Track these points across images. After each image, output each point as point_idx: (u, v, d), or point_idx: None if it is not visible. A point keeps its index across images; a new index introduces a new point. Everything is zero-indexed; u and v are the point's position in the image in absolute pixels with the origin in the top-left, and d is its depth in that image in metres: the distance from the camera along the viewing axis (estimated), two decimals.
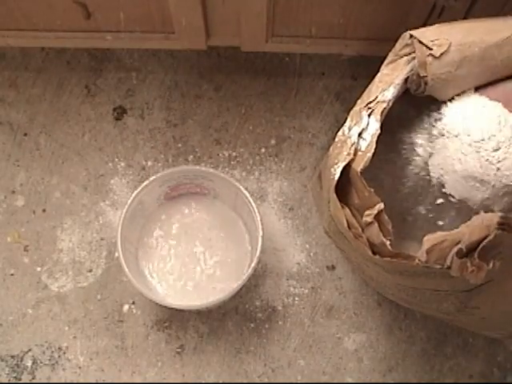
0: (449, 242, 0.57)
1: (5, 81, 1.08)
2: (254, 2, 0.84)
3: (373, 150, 0.64)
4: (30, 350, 0.95)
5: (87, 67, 1.09)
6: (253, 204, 0.89)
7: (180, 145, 1.05)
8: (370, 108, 0.67)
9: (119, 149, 1.05)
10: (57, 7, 0.87)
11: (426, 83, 0.68)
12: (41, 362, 0.95)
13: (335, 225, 0.69)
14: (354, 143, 0.65)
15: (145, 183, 0.91)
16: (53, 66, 1.09)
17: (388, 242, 0.62)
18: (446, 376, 0.95)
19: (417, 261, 0.59)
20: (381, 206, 0.63)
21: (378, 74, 0.71)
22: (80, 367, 0.94)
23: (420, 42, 0.68)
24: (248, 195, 0.89)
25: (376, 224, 0.62)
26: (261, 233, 0.88)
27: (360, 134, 0.65)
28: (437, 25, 0.70)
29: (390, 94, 0.67)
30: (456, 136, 0.69)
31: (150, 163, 1.04)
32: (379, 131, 0.65)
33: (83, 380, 0.94)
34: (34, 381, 0.94)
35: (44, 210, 1.02)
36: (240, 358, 0.95)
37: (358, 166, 0.64)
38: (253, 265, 0.86)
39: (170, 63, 1.09)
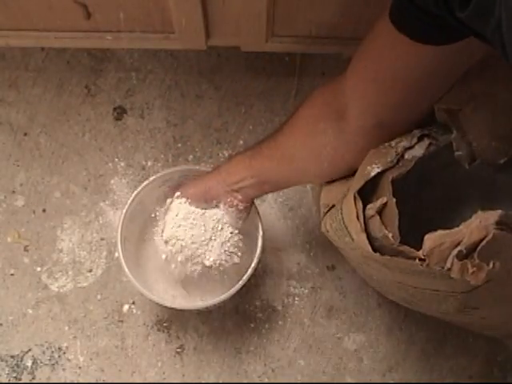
0: (448, 243, 0.57)
1: (5, 81, 1.08)
2: (253, 1, 0.84)
3: (409, 168, 0.67)
4: (30, 349, 0.95)
5: (87, 67, 1.09)
6: (253, 204, 0.89)
7: (180, 145, 1.05)
8: (424, 135, 0.68)
9: (119, 149, 1.05)
10: (57, 7, 0.87)
11: (470, 143, 0.68)
12: (41, 362, 0.95)
13: (340, 219, 0.69)
14: (399, 155, 0.68)
15: (145, 183, 0.91)
16: (53, 65, 1.09)
17: (391, 235, 0.62)
18: (446, 376, 0.95)
19: (417, 261, 0.59)
20: (383, 199, 0.64)
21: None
22: (80, 367, 0.94)
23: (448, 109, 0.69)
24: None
25: (377, 217, 0.63)
26: (261, 233, 0.87)
27: (404, 150, 0.68)
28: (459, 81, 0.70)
29: (443, 139, 0.68)
30: None
31: (149, 163, 1.04)
32: (421, 156, 0.67)
33: (83, 380, 0.94)
34: (33, 381, 0.94)
35: (44, 210, 1.02)
36: (240, 358, 0.95)
37: (392, 174, 0.67)
38: (253, 265, 0.86)
39: (170, 63, 1.09)
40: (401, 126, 0.69)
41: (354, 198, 0.67)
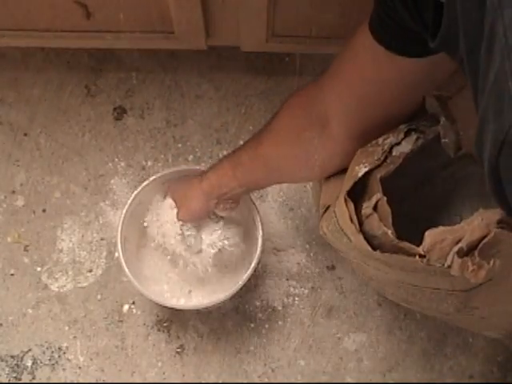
0: (449, 240, 0.57)
1: (5, 81, 1.08)
2: (253, 1, 0.84)
3: (397, 165, 0.66)
4: (29, 350, 0.95)
5: (87, 67, 1.09)
6: (253, 204, 0.89)
7: (180, 145, 1.05)
8: (410, 129, 0.67)
9: (119, 149, 1.05)
10: (57, 7, 0.87)
11: (458, 133, 0.68)
12: (41, 362, 0.94)
13: (336, 221, 0.69)
14: (385, 152, 0.67)
15: (145, 183, 0.91)
16: (53, 66, 1.09)
17: (390, 231, 0.62)
18: (446, 376, 0.95)
19: (417, 258, 0.59)
20: (378, 195, 0.63)
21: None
22: (80, 367, 0.94)
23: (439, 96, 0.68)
24: (248, 195, 0.89)
25: (375, 215, 0.63)
26: (261, 233, 0.88)
27: (391, 147, 0.68)
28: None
29: (431, 131, 0.68)
30: None
31: (150, 163, 1.04)
32: (409, 151, 0.67)
33: (83, 380, 0.94)
34: (33, 381, 0.94)
35: (44, 210, 1.02)
36: (240, 358, 0.95)
37: (380, 172, 0.66)
38: (253, 265, 0.86)
39: (169, 63, 1.09)
40: (386, 128, 0.68)
41: (345, 200, 0.67)
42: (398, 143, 0.68)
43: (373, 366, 0.95)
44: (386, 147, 0.67)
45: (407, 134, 0.68)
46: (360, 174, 0.67)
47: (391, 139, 0.68)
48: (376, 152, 0.67)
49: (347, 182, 0.68)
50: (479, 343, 0.96)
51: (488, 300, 0.68)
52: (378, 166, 0.67)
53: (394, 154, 0.67)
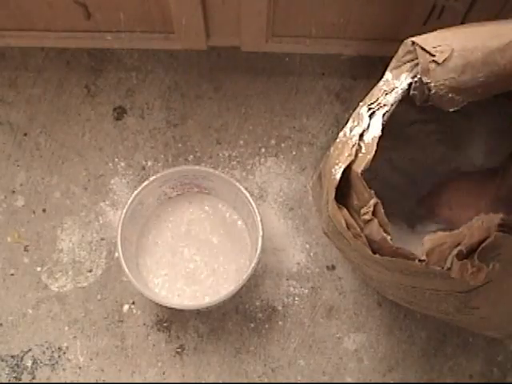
0: (449, 243, 0.57)
1: (5, 81, 1.08)
2: (253, 2, 0.84)
3: (373, 152, 0.64)
4: (30, 350, 0.95)
5: (87, 67, 1.09)
6: (253, 204, 0.89)
7: (180, 145, 1.05)
8: (371, 109, 0.66)
9: (119, 149, 1.05)
10: (57, 7, 0.87)
11: (429, 90, 0.67)
12: (41, 362, 0.95)
13: (334, 225, 0.69)
14: (355, 144, 0.65)
15: (145, 183, 0.91)
16: (53, 65, 1.09)
17: (389, 237, 0.62)
18: (446, 376, 0.95)
19: (417, 261, 0.59)
20: (374, 200, 0.63)
21: (382, 79, 0.70)
22: (80, 367, 0.94)
23: (422, 48, 0.67)
24: (248, 195, 0.89)
25: (376, 220, 0.63)
26: (261, 233, 0.88)
27: (361, 136, 0.66)
28: (438, 30, 0.69)
29: (392, 98, 0.67)
30: None
31: (150, 163, 1.04)
32: (380, 134, 0.65)
33: (83, 380, 0.94)
34: (34, 381, 0.94)
35: (44, 210, 1.02)
36: (240, 358, 0.95)
37: (359, 167, 0.64)
38: (253, 265, 0.86)
39: (170, 63, 1.09)
40: None
41: (339, 207, 0.66)
42: (366, 129, 0.66)
43: (373, 365, 0.95)
44: (354, 139, 0.65)
45: (371, 116, 0.66)
46: (338, 177, 0.65)
47: (358, 128, 0.65)
48: (345, 147, 0.66)
49: (330, 188, 0.67)
50: (479, 343, 0.96)
51: (488, 300, 0.68)
52: (353, 160, 0.65)
53: (366, 141, 0.65)
